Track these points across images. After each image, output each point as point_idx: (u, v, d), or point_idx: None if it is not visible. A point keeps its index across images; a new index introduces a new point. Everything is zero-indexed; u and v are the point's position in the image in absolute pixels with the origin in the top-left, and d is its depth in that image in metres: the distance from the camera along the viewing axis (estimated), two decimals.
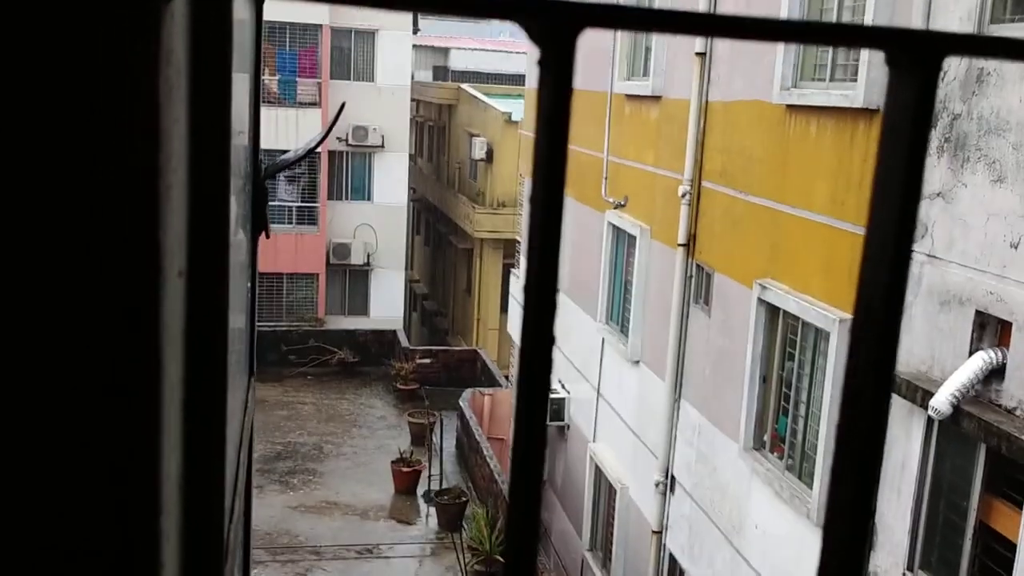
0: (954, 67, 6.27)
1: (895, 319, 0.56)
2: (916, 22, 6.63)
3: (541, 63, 0.51)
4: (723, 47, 9.72)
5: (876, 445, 0.55)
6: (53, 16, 0.43)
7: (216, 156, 0.66)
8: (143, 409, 0.50)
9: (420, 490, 17.48)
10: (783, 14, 8.36)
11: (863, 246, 0.57)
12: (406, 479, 17.42)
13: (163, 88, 0.46)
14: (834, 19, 7.96)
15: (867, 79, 7.16)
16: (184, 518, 0.68)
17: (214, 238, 0.66)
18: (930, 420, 6.36)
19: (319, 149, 24.92)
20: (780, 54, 8.42)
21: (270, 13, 26.00)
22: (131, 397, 0.49)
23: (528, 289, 0.53)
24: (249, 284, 1.65)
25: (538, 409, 0.54)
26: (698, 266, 10.23)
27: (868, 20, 7.21)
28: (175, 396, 0.61)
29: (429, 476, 17.38)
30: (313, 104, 25.14)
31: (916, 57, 0.53)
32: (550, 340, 0.51)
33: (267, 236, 1.70)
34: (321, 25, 24.98)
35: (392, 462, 17.66)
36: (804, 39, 0.52)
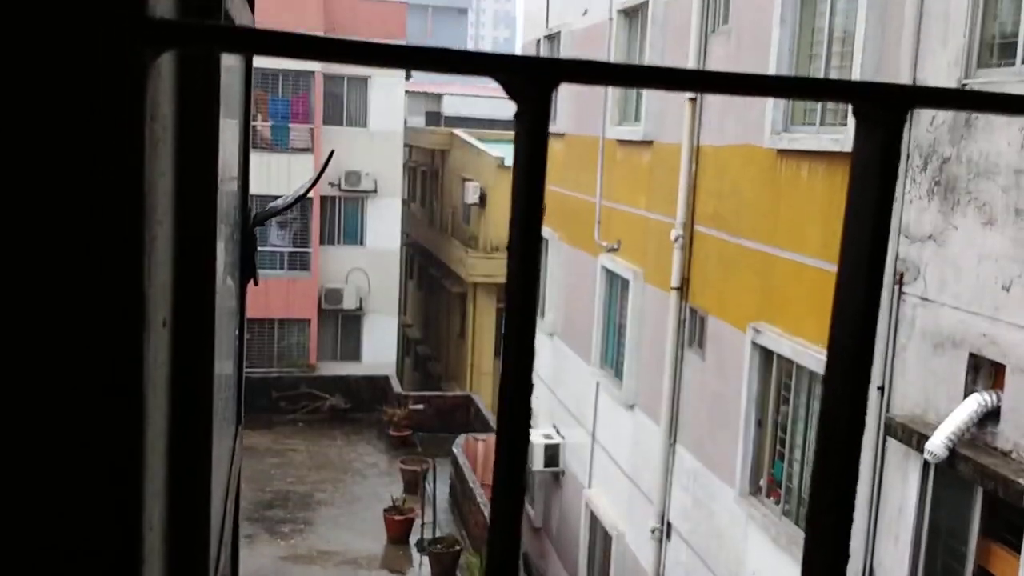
0: (943, 111, 6.36)
1: (865, 370, 0.56)
2: (904, 68, 6.73)
3: (517, 116, 0.52)
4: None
5: (852, 472, 0.56)
6: (43, 72, 0.44)
7: (203, 207, 0.67)
8: (125, 457, 0.50)
9: (413, 539, 17.27)
10: (772, 60, 8.49)
11: (834, 293, 0.58)
12: (399, 528, 17.22)
13: (148, 143, 0.47)
14: (822, 66, 8.08)
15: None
16: (168, 569, 0.68)
17: (200, 288, 0.67)
18: (926, 464, 6.34)
19: (311, 194, 25.03)
20: (770, 99, 8.53)
21: (262, 60, 26.32)
22: (113, 446, 0.49)
23: (508, 337, 0.54)
24: (237, 332, 1.66)
25: (518, 460, 0.54)
26: (692, 309, 10.25)
27: (856, 66, 7.32)
28: (159, 445, 0.61)
29: (422, 524, 17.18)
30: (306, 150, 25.29)
31: (881, 110, 0.54)
32: (528, 385, 0.51)
33: (255, 283, 1.71)
34: (314, 72, 25.24)
35: (384, 510, 17.46)
36: (772, 93, 0.53)
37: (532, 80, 0.51)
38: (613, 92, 12.44)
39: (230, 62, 1.33)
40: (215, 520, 1.09)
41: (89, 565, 0.51)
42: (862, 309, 0.52)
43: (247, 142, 1.74)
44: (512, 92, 0.52)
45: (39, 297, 0.46)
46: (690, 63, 10.04)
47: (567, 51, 14.40)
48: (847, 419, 0.56)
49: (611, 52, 12.42)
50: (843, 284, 0.56)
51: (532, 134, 0.51)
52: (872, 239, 0.56)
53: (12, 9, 0.43)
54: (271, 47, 0.46)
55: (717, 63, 9.74)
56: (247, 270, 1.64)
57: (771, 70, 8.51)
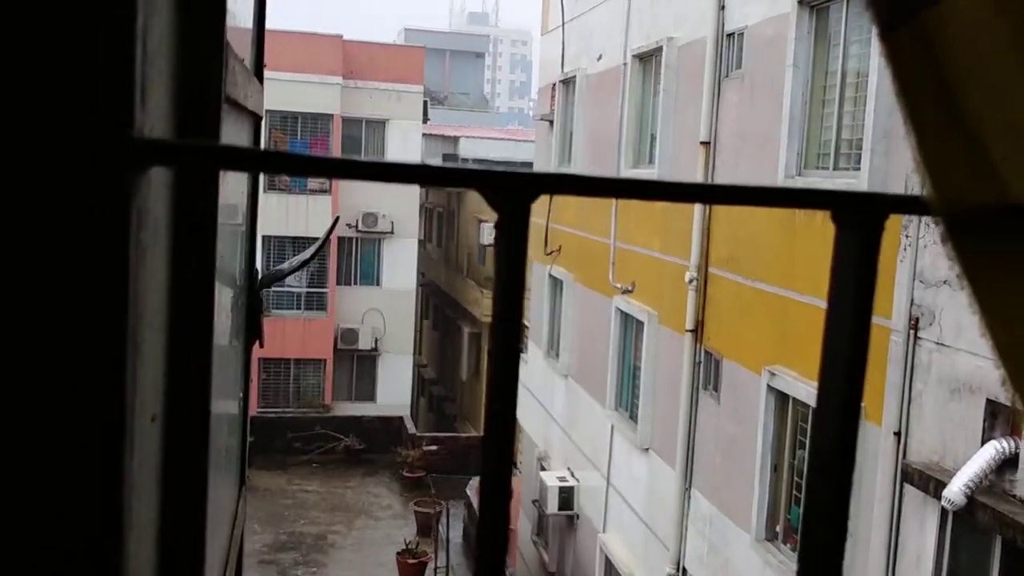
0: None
1: (848, 470, 0.56)
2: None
3: (497, 226, 0.53)
4: (727, 135, 9.89)
5: (843, 504, 0.56)
6: (27, 192, 0.45)
7: (198, 306, 0.68)
8: (104, 555, 0.50)
9: None
10: (785, 104, 8.53)
11: (816, 398, 0.59)
12: (412, 571, 17.06)
13: (134, 252, 0.48)
14: (835, 110, 8.11)
15: (871, 167, 7.25)
16: None
17: (194, 382, 0.68)
18: (944, 511, 6.25)
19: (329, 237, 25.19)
20: (784, 141, 8.56)
21: (282, 103, 26.42)
22: (93, 542, 0.50)
23: (485, 453, 0.54)
24: (242, 394, 1.67)
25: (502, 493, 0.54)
26: (707, 352, 10.20)
27: (870, 110, 7.34)
28: (146, 537, 0.62)
29: (435, 568, 17.02)
30: (323, 191, 25.51)
31: (860, 216, 0.55)
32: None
33: (261, 345, 1.72)
34: (332, 115, 25.54)
35: (397, 553, 17.33)
36: (751, 202, 0.54)
37: (511, 193, 0.52)
38: (627, 133, 12.51)
39: (233, 115, 1.35)
40: None
41: None
42: (841, 426, 0.52)
43: (255, 199, 1.76)
44: (493, 204, 0.53)
45: (23, 396, 0.47)
46: (704, 108, 10.10)
47: (582, 95, 14.52)
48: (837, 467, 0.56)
49: (625, 96, 12.52)
50: (823, 391, 0.56)
51: (511, 243, 0.52)
52: (851, 346, 0.56)
53: None
54: (253, 165, 0.47)
55: (730, 108, 9.79)
56: (252, 333, 1.65)
57: (784, 114, 8.54)
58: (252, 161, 0.46)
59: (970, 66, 0.48)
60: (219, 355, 1.18)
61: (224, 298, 1.23)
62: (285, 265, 2.38)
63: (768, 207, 0.55)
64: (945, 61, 0.49)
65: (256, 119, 1.58)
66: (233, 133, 1.27)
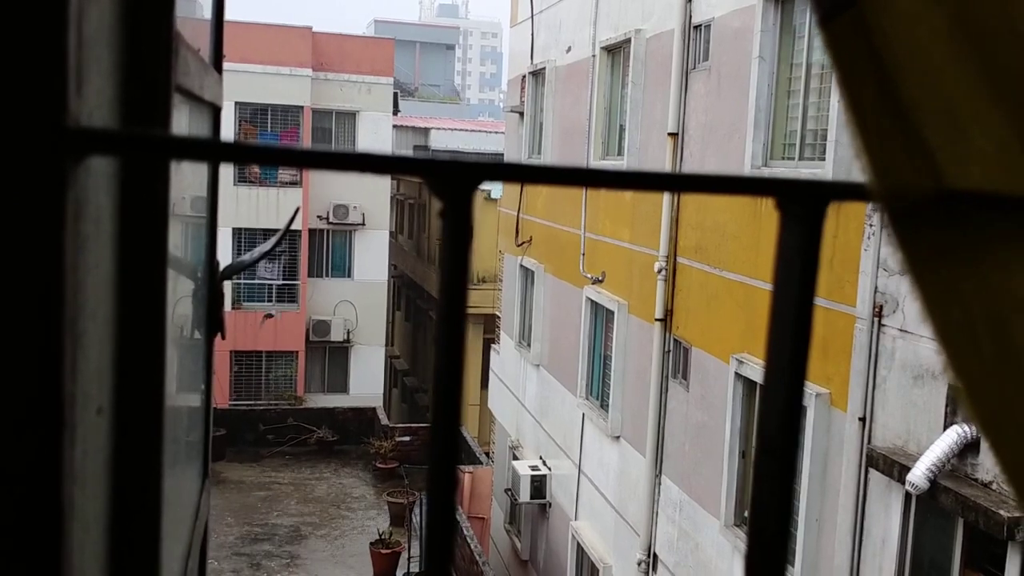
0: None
1: (791, 457, 0.57)
2: None
3: (442, 215, 0.53)
4: (695, 126, 9.94)
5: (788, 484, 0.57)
6: None
7: (149, 297, 0.68)
8: (42, 546, 0.50)
9: (400, 572, 17.10)
10: (751, 96, 8.58)
11: (763, 380, 0.59)
12: (385, 561, 17.06)
13: (70, 243, 0.48)
14: (801, 101, 8.17)
15: (835, 157, 7.32)
16: None
17: (146, 374, 0.67)
18: (908, 495, 6.34)
19: (299, 227, 25.04)
20: (750, 132, 8.62)
21: (252, 95, 26.20)
22: (29, 534, 0.49)
23: (433, 437, 0.54)
24: (204, 386, 1.66)
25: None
26: (676, 341, 10.27)
27: (834, 102, 7.41)
28: (94, 530, 0.61)
29: (409, 558, 17.04)
30: (294, 183, 25.33)
31: (803, 204, 0.56)
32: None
33: (223, 337, 1.71)
34: (303, 106, 25.35)
35: (371, 544, 17.31)
36: (696, 189, 0.54)
37: (454, 181, 0.52)
38: (596, 125, 12.54)
39: (190, 107, 1.34)
40: None
41: None
42: (784, 408, 0.53)
43: (216, 194, 1.75)
44: (437, 192, 0.53)
45: None
46: (672, 99, 10.14)
47: (551, 86, 14.52)
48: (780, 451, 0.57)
49: (594, 88, 12.54)
50: (769, 375, 0.57)
51: (455, 232, 0.53)
52: (794, 333, 0.57)
53: None
54: (192, 154, 0.47)
55: (698, 99, 9.84)
56: (214, 325, 1.64)
57: (751, 105, 8.60)
58: (193, 150, 0.46)
59: (907, 53, 0.49)
60: (177, 347, 1.17)
61: (182, 289, 1.22)
62: (247, 256, 2.37)
63: (713, 194, 0.55)
64: (884, 49, 0.50)
65: (215, 110, 1.56)
66: (189, 124, 1.25)
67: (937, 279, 0.54)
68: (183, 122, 1.16)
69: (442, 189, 0.51)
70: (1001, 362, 0.51)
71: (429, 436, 0.53)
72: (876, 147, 0.53)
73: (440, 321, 0.52)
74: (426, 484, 0.55)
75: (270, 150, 0.49)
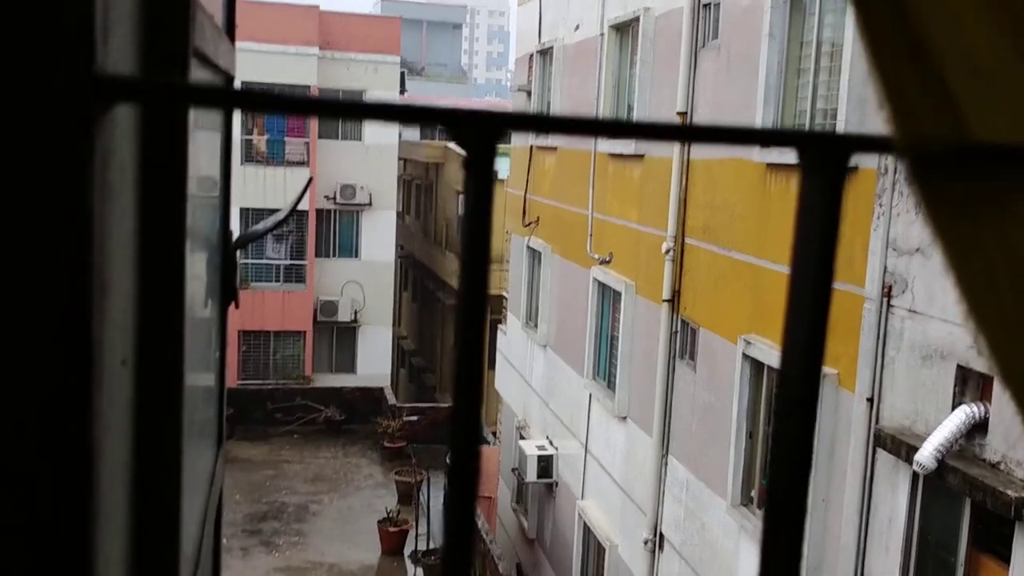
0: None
1: (812, 410, 0.58)
2: None
3: (465, 165, 0.54)
4: (704, 105, 9.89)
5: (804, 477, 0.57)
6: None
7: (171, 244, 0.68)
8: (74, 497, 0.50)
9: (407, 550, 17.23)
10: (761, 74, 8.53)
11: (782, 338, 0.60)
12: (393, 539, 17.18)
13: (100, 192, 0.48)
14: (811, 79, 8.12)
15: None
16: None
17: (166, 327, 0.68)
18: (915, 475, 6.35)
19: (307, 207, 25.05)
20: (760, 110, 8.57)
21: (258, 75, 26.15)
22: (62, 485, 0.50)
23: (457, 378, 0.55)
24: (218, 353, 1.67)
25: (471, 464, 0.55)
26: (683, 322, 10.27)
27: (844, 80, 7.37)
28: (118, 476, 0.62)
29: (416, 536, 17.14)
30: (301, 163, 25.32)
31: (824, 157, 0.56)
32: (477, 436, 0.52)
33: (236, 306, 1.72)
34: (309, 86, 25.29)
35: (379, 522, 17.43)
36: (716, 140, 0.54)
37: (478, 132, 0.52)
38: (604, 105, 12.48)
39: (204, 76, 1.34)
40: (191, 546, 1.10)
41: None
42: (804, 375, 0.53)
43: (229, 164, 1.75)
44: (461, 142, 0.54)
45: None
46: (680, 78, 10.09)
47: (559, 65, 14.45)
48: (799, 430, 0.57)
49: (603, 67, 12.48)
50: (788, 339, 0.57)
51: (479, 182, 0.53)
52: (815, 287, 0.57)
53: None
54: (217, 102, 0.47)
55: (706, 78, 9.79)
56: (228, 293, 1.65)
57: (760, 84, 8.55)
58: (216, 98, 0.46)
59: (929, 1, 0.49)
60: (194, 313, 1.18)
61: (197, 256, 1.22)
62: (260, 225, 2.37)
63: (733, 145, 0.56)
64: None
65: (228, 79, 1.56)
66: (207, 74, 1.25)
67: (959, 231, 0.54)
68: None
69: (466, 139, 0.51)
70: (1022, 313, 0.51)
71: (452, 387, 0.53)
72: (899, 98, 0.53)
73: (464, 269, 0.53)
74: (449, 442, 0.55)
75: (287, 99, 0.49)
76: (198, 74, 0.99)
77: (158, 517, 0.71)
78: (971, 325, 0.55)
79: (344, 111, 0.50)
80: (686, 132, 0.54)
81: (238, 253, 1.75)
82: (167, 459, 0.71)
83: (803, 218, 0.59)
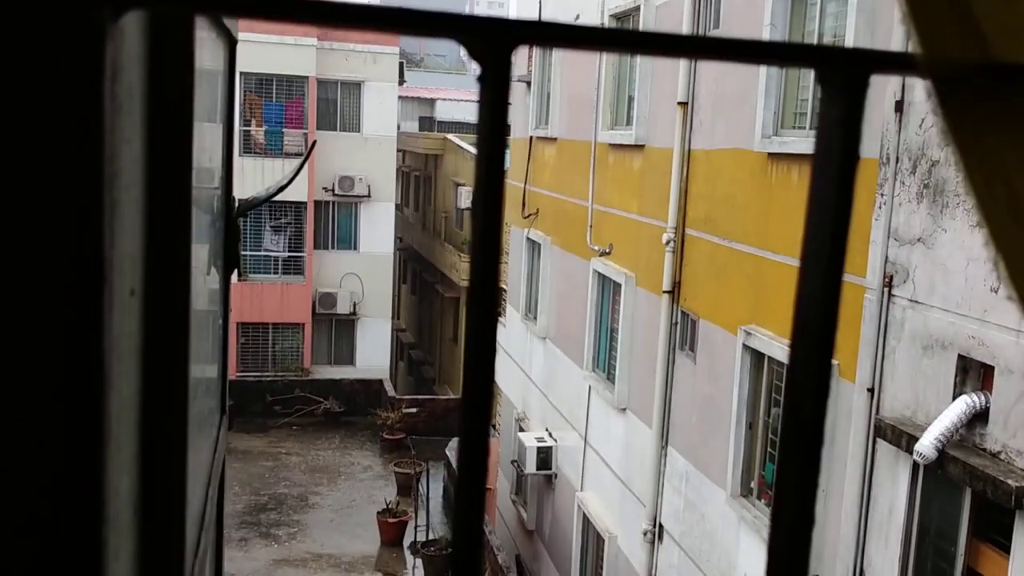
0: (933, 115, 6.39)
1: (830, 334, 0.57)
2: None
3: (480, 78, 0.53)
4: (705, 95, 9.87)
5: (815, 455, 0.56)
6: None
7: (177, 177, 0.67)
8: (86, 423, 0.50)
9: (407, 541, 17.24)
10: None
11: (800, 263, 0.59)
12: (392, 530, 17.20)
13: (108, 106, 0.47)
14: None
15: None
16: (140, 539, 0.68)
17: (173, 257, 0.67)
18: (916, 465, 6.35)
19: (305, 199, 25.02)
20: (761, 102, 8.56)
21: (257, 65, 26.13)
22: (73, 412, 0.49)
23: (470, 306, 0.54)
24: (222, 322, 1.66)
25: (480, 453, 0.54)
26: (683, 313, 10.26)
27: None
28: (127, 413, 0.61)
29: (416, 527, 17.17)
30: (299, 154, 25.27)
31: (845, 74, 0.55)
32: (492, 340, 0.51)
33: (240, 276, 1.71)
34: (307, 77, 25.24)
35: (378, 513, 17.44)
36: (732, 56, 0.53)
37: (493, 41, 0.51)
38: (605, 96, 12.46)
39: (214, 55, 1.33)
40: (196, 504, 1.09)
41: (50, 531, 0.50)
42: (825, 281, 0.52)
43: (231, 134, 1.74)
44: (474, 54, 0.52)
45: None
46: (681, 68, 10.07)
47: (559, 56, 14.42)
48: (811, 395, 0.56)
49: (603, 57, 12.45)
50: (807, 255, 0.56)
51: (493, 95, 0.52)
52: (835, 214, 0.56)
53: None
54: (224, 6, 0.46)
55: (708, 68, 9.77)
56: (231, 260, 1.64)
57: (761, 74, 8.53)
58: (222, 3, 0.45)
59: None
60: (198, 276, 1.17)
61: (201, 221, 1.21)
62: (261, 192, 2.36)
63: (750, 63, 0.54)
64: None
65: (231, 42, 1.55)
66: (209, 53, 1.24)
67: (980, 152, 0.54)
68: (204, 54, 1.15)
69: (480, 49, 0.50)
70: None
71: (467, 327, 0.52)
72: (923, 16, 0.53)
73: (477, 189, 0.52)
74: (459, 420, 0.53)
75: (292, 3, 0.48)
76: (203, 33, 0.98)
77: (165, 447, 0.70)
78: (991, 250, 0.54)
79: (352, 17, 0.49)
80: (703, 45, 0.53)
81: (240, 222, 1.74)
82: (173, 392, 0.70)
83: (822, 138, 0.58)
